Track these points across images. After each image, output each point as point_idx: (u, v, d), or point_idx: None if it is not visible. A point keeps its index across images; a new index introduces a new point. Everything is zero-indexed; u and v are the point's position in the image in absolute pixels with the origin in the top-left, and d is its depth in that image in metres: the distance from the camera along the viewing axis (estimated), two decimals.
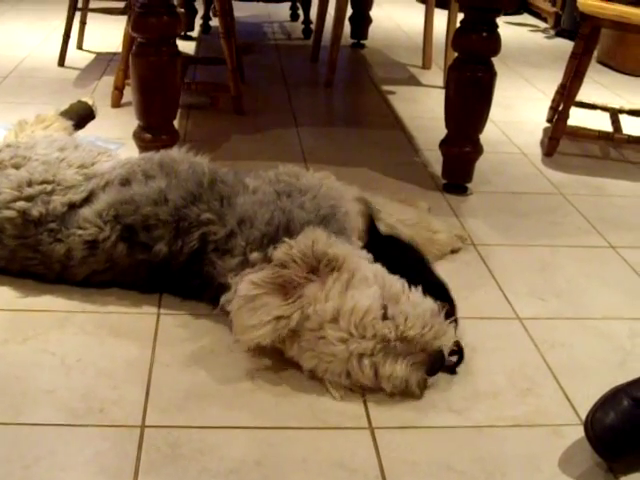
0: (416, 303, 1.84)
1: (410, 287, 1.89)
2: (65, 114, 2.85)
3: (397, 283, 1.89)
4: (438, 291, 2.00)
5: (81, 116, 2.91)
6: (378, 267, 1.94)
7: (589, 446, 1.66)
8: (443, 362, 1.83)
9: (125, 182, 2.18)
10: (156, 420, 1.71)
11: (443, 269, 2.33)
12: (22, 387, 1.79)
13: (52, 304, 2.11)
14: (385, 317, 1.78)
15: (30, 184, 2.19)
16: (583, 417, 1.75)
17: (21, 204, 2.15)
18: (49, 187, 2.19)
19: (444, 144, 2.96)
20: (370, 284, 1.84)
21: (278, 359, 1.90)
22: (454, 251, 2.51)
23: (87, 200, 2.17)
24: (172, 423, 1.71)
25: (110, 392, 1.79)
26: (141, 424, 1.70)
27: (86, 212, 2.13)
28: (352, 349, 1.76)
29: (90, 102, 2.94)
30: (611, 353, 2.06)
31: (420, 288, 1.90)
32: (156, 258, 2.08)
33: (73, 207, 2.16)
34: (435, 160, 3.16)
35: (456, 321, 1.93)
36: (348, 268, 1.85)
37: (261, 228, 2.00)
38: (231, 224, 2.03)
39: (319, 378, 1.84)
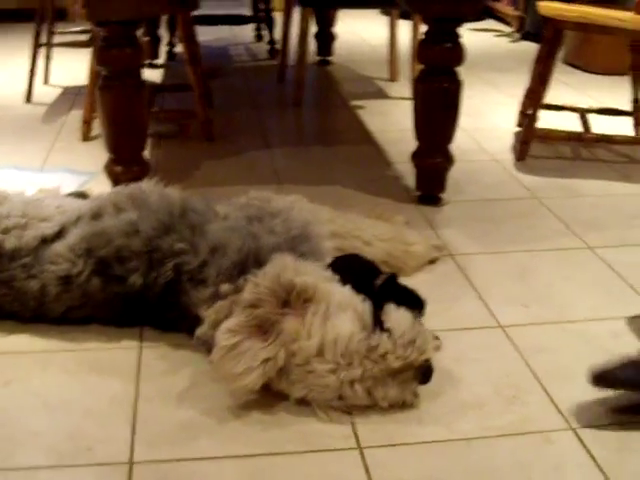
0: (392, 325, 1.82)
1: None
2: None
3: (368, 305, 1.87)
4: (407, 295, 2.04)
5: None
6: (347, 290, 1.92)
7: (580, 451, 1.67)
8: (432, 370, 1.83)
9: (96, 216, 2.18)
10: (144, 455, 1.70)
11: (421, 281, 2.34)
12: (7, 431, 1.77)
13: (31, 345, 2.09)
14: (369, 337, 1.79)
15: (8, 217, 2.19)
16: (571, 422, 1.76)
17: None
18: (23, 220, 2.19)
19: (415, 156, 2.96)
20: (345, 308, 1.84)
21: (262, 386, 1.89)
22: (432, 261, 2.51)
23: (59, 235, 2.17)
24: (160, 457, 1.69)
25: (96, 430, 1.77)
26: (129, 460, 1.68)
27: (58, 247, 2.13)
28: (342, 377, 1.77)
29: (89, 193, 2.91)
30: (595, 355, 2.05)
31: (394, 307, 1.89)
32: (131, 290, 2.07)
33: (45, 242, 2.15)
34: (408, 172, 3.16)
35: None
36: (322, 297, 1.84)
37: (232, 256, 2.00)
38: (204, 253, 2.03)
39: (306, 402, 1.83)
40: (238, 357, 1.76)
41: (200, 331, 1.93)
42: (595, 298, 2.34)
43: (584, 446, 1.72)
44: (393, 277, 2.10)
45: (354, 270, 2.07)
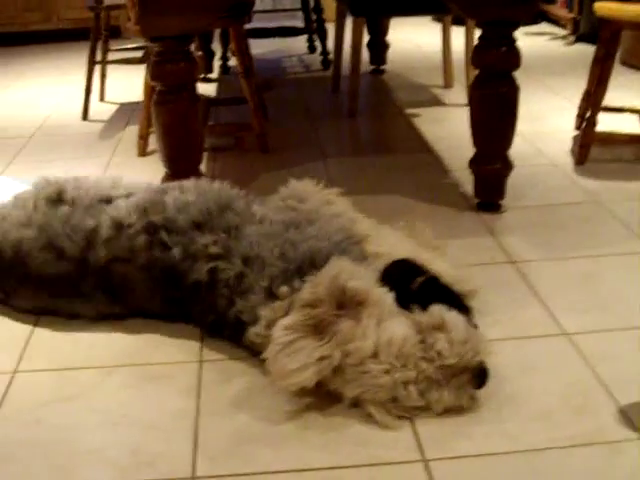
0: (446, 326, 1.83)
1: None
2: None
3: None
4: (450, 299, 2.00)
5: None
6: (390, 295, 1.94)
7: None
8: (488, 374, 1.82)
9: (162, 191, 2.32)
10: (206, 470, 1.69)
11: (483, 289, 2.29)
12: (69, 448, 1.77)
13: (93, 360, 2.10)
14: (423, 341, 1.80)
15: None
16: None
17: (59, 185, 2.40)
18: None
19: (473, 163, 2.92)
20: (396, 312, 1.87)
21: (320, 396, 1.88)
22: None
23: (126, 197, 2.33)
24: (222, 472, 1.69)
25: (158, 445, 1.77)
26: (191, 475, 1.68)
27: (121, 202, 2.31)
28: (396, 378, 1.78)
29: None
30: None
31: (442, 307, 1.89)
32: (171, 262, 2.15)
33: (110, 201, 2.32)
34: (466, 180, 3.13)
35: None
36: (374, 301, 1.85)
37: (278, 264, 2.02)
38: (238, 263, 2.07)
39: (363, 407, 1.83)
40: (293, 354, 1.77)
41: (255, 329, 1.95)
42: None
43: None
44: (432, 279, 2.08)
45: (396, 274, 2.07)
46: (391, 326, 1.82)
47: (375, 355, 1.79)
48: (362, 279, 1.90)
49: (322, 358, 1.77)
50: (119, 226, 2.23)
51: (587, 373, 1.97)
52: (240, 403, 1.90)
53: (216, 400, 1.92)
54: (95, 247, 2.22)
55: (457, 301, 2.02)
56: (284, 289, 1.96)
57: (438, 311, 1.87)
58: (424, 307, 1.89)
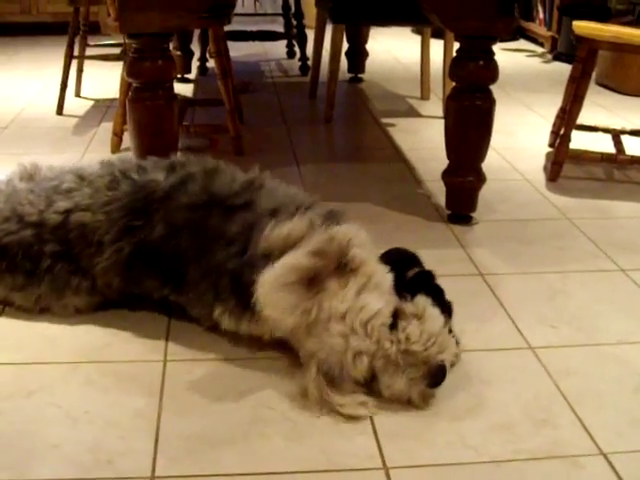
0: (424, 316, 1.86)
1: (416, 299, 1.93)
2: None
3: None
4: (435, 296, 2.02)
5: None
6: (390, 276, 1.96)
7: (611, 476, 1.63)
8: (445, 375, 1.83)
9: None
10: (166, 470, 1.68)
11: (451, 300, 2.30)
12: (29, 442, 1.75)
13: (56, 355, 2.08)
14: (393, 326, 1.83)
15: None
16: (602, 446, 1.72)
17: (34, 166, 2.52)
18: None
19: (446, 174, 2.93)
20: (384, 291, 1.89)
21: (287, 402, 1.88)
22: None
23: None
24: (182, 473, 1.67)
25: (118, 443, 1.75)
26: (151, 475, 1.66)
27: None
28: (351, 344, 1.80)
29: None
30: (627, 379, 2.02)
31: (428, 299, 1.93)
32: (140, 185, 2.20)
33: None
34: (438, 191, 3.14)
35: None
36: (365, 271, 1.88)
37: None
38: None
39: (306, 370, 1.87)
40: (287, 293, 1.79)
41: (269, 234, 1.96)
42: (628, 321, 2.30)
43: (615, 471, 1.68)
44: (427, 273, 2.12)
45: (395, 258, 2.11)
46: (369, 298, 1.84)
47: (342, 318, 1.81)
48: (367, 251, 1.94)
49: (304, 311, 1.81)
50: (82, 177, 2.27)
51: (551, 387, 1.98)
52: (203, 404, 1.89)
53: (179, 400, 1.91)
54: (55, 203, 2.21)
55: (444, 303, 2.04)
56: (316, 215, 2.01)
57: (423, 302, 1.90)
58: (412, 296, 1.92)
